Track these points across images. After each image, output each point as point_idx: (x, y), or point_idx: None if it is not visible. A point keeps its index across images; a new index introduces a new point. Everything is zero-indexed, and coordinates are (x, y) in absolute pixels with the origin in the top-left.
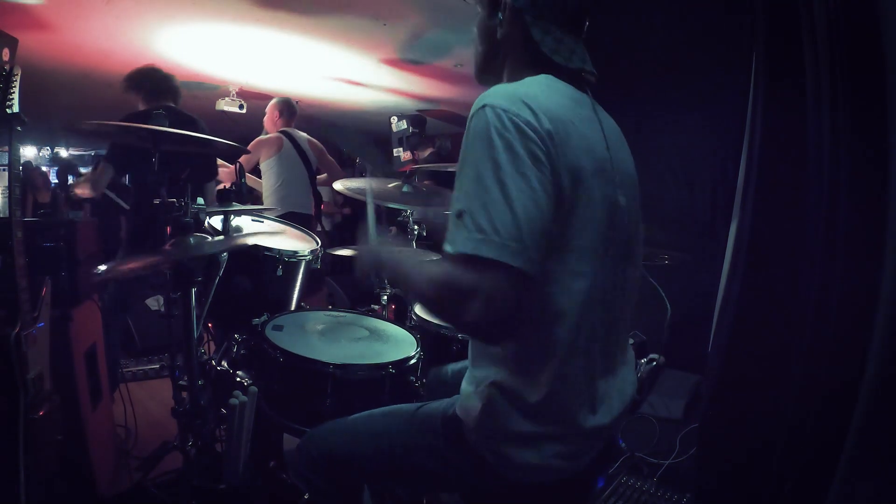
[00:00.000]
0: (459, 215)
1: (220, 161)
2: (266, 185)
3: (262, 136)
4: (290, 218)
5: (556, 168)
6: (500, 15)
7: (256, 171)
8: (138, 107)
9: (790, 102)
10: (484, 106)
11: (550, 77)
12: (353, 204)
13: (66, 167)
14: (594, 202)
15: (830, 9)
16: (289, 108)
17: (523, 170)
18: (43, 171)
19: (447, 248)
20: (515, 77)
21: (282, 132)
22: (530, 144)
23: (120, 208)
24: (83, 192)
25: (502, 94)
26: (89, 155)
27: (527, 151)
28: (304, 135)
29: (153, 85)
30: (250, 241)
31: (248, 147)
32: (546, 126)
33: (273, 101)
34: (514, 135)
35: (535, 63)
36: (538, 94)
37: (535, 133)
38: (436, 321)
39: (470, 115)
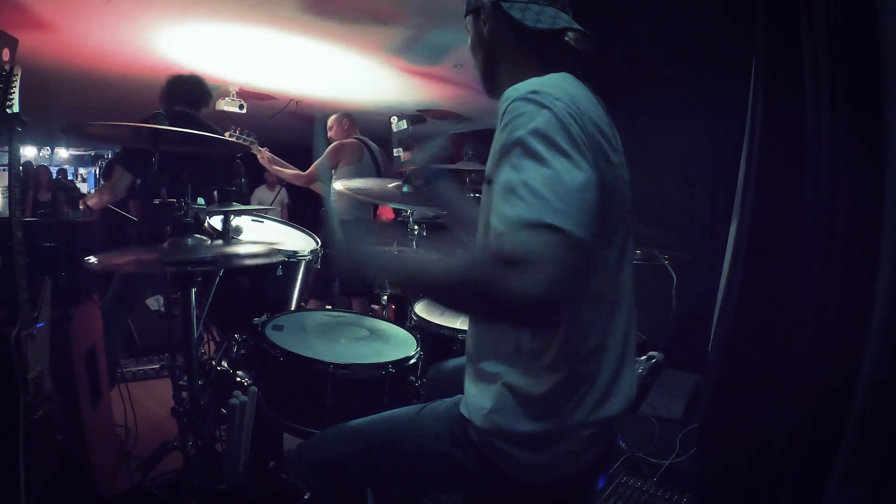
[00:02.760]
0: (512, 191)
1: (275, 160)
2: (337, 187)
3: (342, 141)
4: (356, 224)
5: (595, 155)
6: (482, 17)
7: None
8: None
9: (790, 102)
10: (532, 91)
11: (569, 75)
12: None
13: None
14: (620, 200)
15: (830, 9)
16: (353, 118)
17: (578, 153)
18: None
19: (497, 223)
20: (517, 70)
21: (359, 139)
22: (581, 133)
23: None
24: (102, 200)
25: (541, 84)
26: (89, 155)
27: (579, 137)
28: (374, 144)
29: (170, 91)
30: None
31: (327, 151)
32: (586, 114)
33: (335, 115)
34: (568, 120)
35: (525, 46)
36: (569, 88)
37: (581, 121)
38: (436, 321)
39: (512, 100)
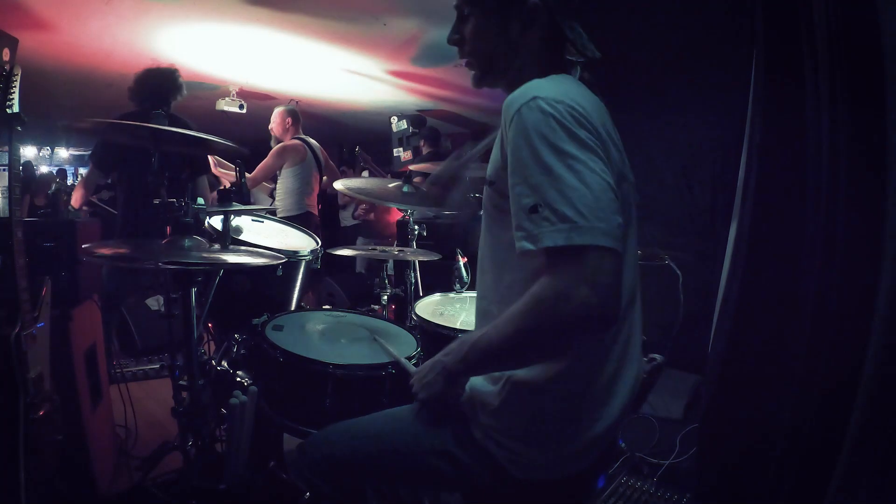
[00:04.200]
0: (534, 209)
1: (222, 163)
2: (284, 188)
3: (285, 143)
4: (305, 218)
5: (605, 152)
6: (519, 16)
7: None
8: (130, 107)
9: (790, 102)
10: (534, 97)
11: (572, 77)
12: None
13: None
14: (626, 201)
15: (830, 9)
16: (297, 116)
17: (590, 154)
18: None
19: (527, 245)
20: (527, 74)
21: (300, 139)
22: (588, 133)
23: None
24: (77, 198)
25: (548, 88)
26: (89, 155)
27: (589, 138)
28: (314, 141)
29: (143, 87)
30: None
31: (272, 153)
32: (591, 113)
33: (281, 109)
34: (572, 123)
35: (553, 60)
36: (569, 89)
37: (590, 124)
38: (436, 321)
39: (516, 108)
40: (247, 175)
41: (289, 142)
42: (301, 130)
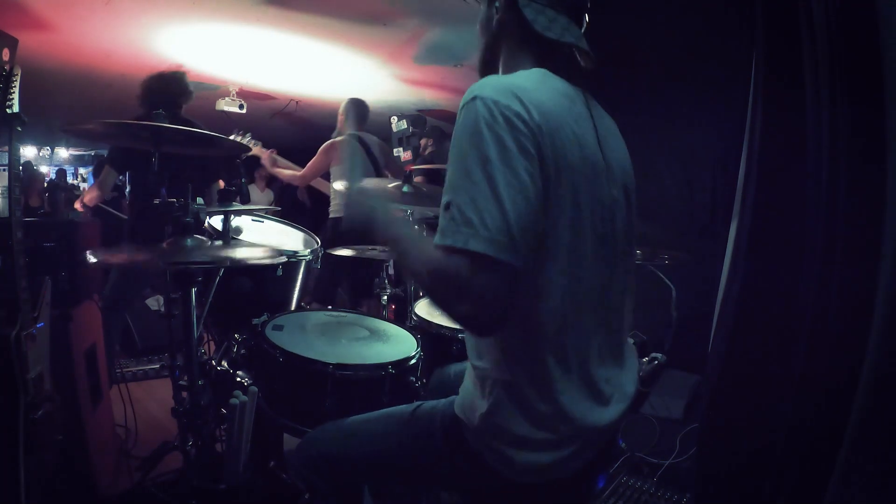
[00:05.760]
0: (447, 207)
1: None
2: (333, 188)
3: (332, 139)
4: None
5: (545, 161)
6: (496, 4)
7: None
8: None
9: (790, 102)
10: (474, 98)
11: (544, 71)
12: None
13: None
14: (583, 200)
15: (830, 9)
16: (356, 110)
17: (513, 163)
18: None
19: (436, 239)
20: (510, 62)
21: (352, 135)
22: (520, 137)
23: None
24: (92, 197)
25: (493, 86)
26: (89, 155)
27: (516, 144)
28: (375, 138)
29: (149, 92)
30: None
31: (319, 151)
32: (536, 119)
33: (344, 104)
34: (503, 127)
35: (527, 44)
36: (529, 86)
37: (525, 125)
38: (436, 321)
39: (460, 106)
40: (295, 174)
41: (336, 139)
42: (362, 127)
